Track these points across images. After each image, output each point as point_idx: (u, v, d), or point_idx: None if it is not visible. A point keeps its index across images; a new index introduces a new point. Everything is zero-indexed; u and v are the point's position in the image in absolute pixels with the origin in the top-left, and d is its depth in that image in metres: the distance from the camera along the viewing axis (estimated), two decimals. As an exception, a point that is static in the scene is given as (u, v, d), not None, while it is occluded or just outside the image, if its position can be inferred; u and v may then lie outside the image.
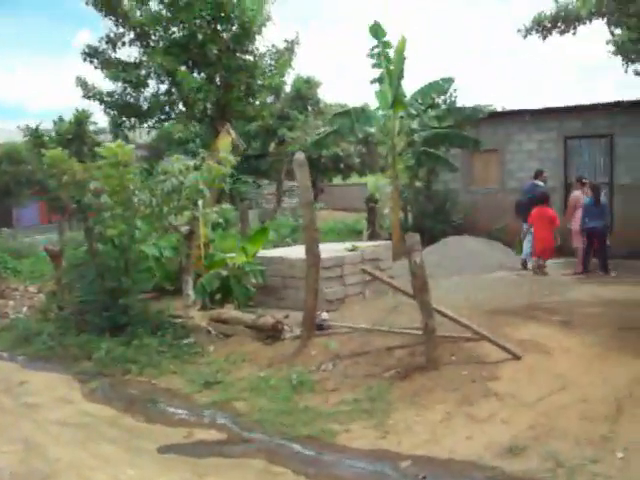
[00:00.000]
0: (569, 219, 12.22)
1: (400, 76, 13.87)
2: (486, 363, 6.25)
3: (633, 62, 11.99)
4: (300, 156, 6.88)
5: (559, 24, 10.87)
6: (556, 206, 15.15)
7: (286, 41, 17.78)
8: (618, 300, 8.78)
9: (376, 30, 14.00)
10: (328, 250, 10.06)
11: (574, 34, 11.21)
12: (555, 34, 11.22)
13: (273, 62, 17.11)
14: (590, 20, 10.79)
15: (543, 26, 11.05)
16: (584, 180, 12.34)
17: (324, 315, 8.04)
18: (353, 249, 10.09)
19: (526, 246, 12.98)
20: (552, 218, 11.88)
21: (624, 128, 14.58)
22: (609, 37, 12.46)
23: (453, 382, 5.89)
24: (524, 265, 12.68)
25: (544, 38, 11.37)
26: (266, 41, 17.61)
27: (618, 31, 12.22)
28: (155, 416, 6.14)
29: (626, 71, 12.58)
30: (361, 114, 14.54)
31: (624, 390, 5.30)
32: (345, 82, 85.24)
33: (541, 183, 13.14)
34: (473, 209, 16.42)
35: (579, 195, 12.06)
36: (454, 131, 14.35)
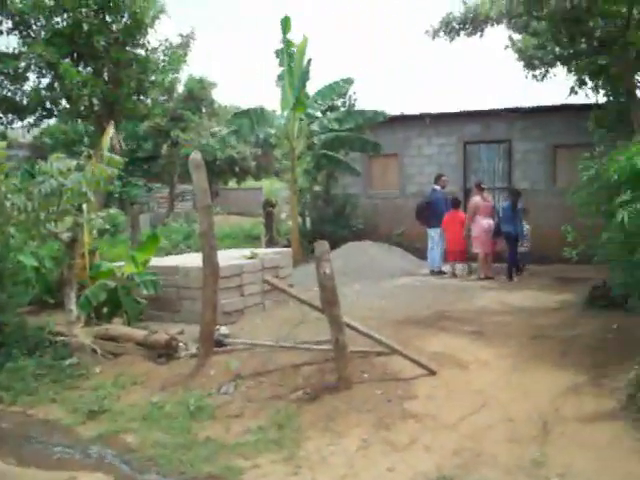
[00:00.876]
0: (469, 225, 12.19)
1: (304, 77, 13.41)
2: (400, 380, 5.85)
3: (534, 68, 12.14)
4: (197, 156, 6.21)
5: (467, 25, 10.79)
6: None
7: (181, 36, 16.87)
8: (525, 307, 8.71)
9: (285, 24, 13.41)
10: (225, 258, 9.43)
11: (481, 37, 11.18)
12: (463, 36, 11.13)
13: (166, 57, 16.09)
14: (498, 22, 10.78)
15: (451, 27, 10.93)
16: (482, 185, 12.35)
17: (224, 330, 7.40)
18: (252, 257, 9.51)
19: (432, 254, 12.91)
20: (463, 222, 12.16)
21: (522, 133, 14.86)
22: (510, 42, 12.56)
23: (367, 403, 5.42)
24: (437, 272, 12.57)
25: (451, 40, 11.26)
26: (159, 35, 16.68)
27: (519, 36, 12.34)
28: (29, 456, 5.20)
29: (526, 77, 12.76)
30: (260, 115, 13.96)
31: (548, 406, 5.04)
32: (252, 85, 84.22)
33: (438, 187, 13.08)
34: (373, 214, 16.24)
35: (478, 200, 12.05)
36: (354, 134, 14.07)
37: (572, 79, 11.52)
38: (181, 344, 7.18)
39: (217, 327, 7.10)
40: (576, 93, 11.70)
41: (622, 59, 10.13)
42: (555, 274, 11.74)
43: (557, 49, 11.11)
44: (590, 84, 11.53)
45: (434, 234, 12.79)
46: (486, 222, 11.84)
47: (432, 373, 5.88)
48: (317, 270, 5.68)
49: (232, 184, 35.07)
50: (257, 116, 13.90)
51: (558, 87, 31.27)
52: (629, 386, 4.74)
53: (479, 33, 11.10)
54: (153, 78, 16.26)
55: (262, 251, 10.74)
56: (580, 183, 6.44)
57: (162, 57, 16.12)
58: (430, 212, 12.83)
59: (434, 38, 11.53)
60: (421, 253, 15.13)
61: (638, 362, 4.78)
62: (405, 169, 16.17)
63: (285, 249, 11.82)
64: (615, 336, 6.44)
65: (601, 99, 12.44)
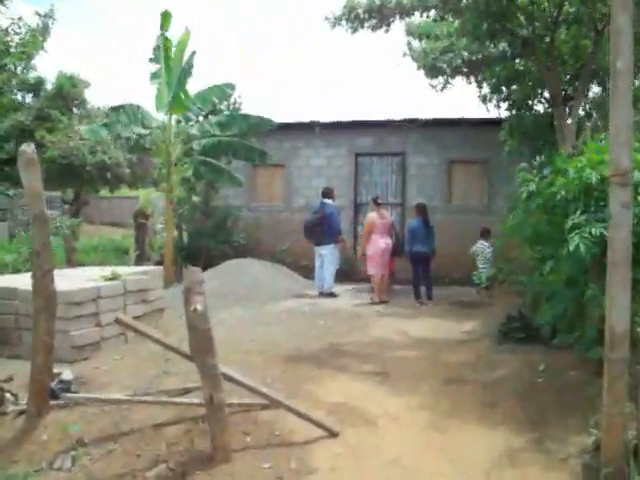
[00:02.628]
0: (365, 243, 11.19)
1: (184, 73, 11.90)
2: (294, 444, 4.55)
3: (435, 75, 11.36)
4: (28, 149, 4.62)
5: (373, 14, 9.68)
6: (345, 227, 14.34)
7: (38, 14, 14.73)
8: (429, 339, 7.72)
9: (165, 19, 11.80)
10: (80, 278, 7.82)
11: (387, 31, 10.10)
12: (367, 28, 10.00)
13: (18, 39, 13.90)
14: (408, 14, 9.78)
15: (355, 15, 9.76)
16: (379, 200, 11.39)
17: (66, 374, 5.77)
18: (113, 277, 7.93)
19: (320, 273, 11.81)
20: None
21: (417, 147, 14.13)
22: (407, 48, 11.72)
23: (251, 482, 4.10)
24: (328, 294, 11.43)
25: (354, 31, 10.09)
26: (11, 13, 14.43)
27: (417, 43, 11.52)
28: None
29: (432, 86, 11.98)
30: (135, 113, 12.25)
31: (483, 482, 3.94)
32: (131, 87, 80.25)
33: (330, 201, 12.05)
34: (256, 228, 14.98)
35: (375, 217, 11.07)
36: (239, 141, 12.72)
37: (473, 91, 10.90)
38: (8, 395, 5.50)
39: (56, 372, 5.52)
40: (490, 101, 11.00)
41: (547, 61, 9.42)
42: (452, 298, 10.97)
43: (465, 54, 10.33)
44: (497, 95, 10.87)
45: (325, 252, 11.66)
46: (383, 241, 10.88)
47: (333, 435, 4.63)
48: (185, 306, 4.30)
49: (105, 192, 32.47)
50: (133, 113, 12.22)
51: (460, 100, 31.38)
52: (586, 456, 3.71)
53: (385, 27, 10.04)
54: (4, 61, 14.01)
55: (127, 270, 9.15)
56: (516, 199, 5.47)
57: (14, 38, 13.90)
58: (325, 228, 11.71)
59: (334, 26, 10.33)
60: (307, 272, 14.07)
61: (594, 423, 3.75)
62: (292, 181, 15.04)
63: (156, 267, 10.26)
64: (546, 381, 5.49)
65: (504, 113, 11.90)
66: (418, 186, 14.10)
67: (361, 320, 9.10)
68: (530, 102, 11.08)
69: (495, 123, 13.02)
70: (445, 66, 10.80)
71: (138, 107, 12.51)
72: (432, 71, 11.16)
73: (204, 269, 12.85)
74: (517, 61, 10.22)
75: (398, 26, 10.83)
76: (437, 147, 13.99)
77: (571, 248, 3.90)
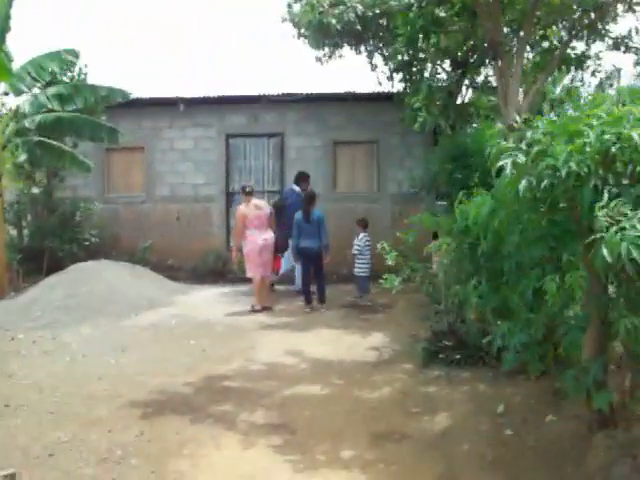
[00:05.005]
0: (238, 240, 9.38)
1: (3, 28, 9.45)
2: None
3: (320, 43, 9.73)
4: None
5: None
6: (216, 220, 12.54)
7: None
8: (333, 362, 6.07)
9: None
10: None
11: None
12: None
13: None
14: None
15: None
16: (247, 189, 9.50)
17: None
18: None
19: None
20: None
21: (296, 126, 12.43)
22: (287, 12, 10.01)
23: None
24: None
25: None
26: None
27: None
28: None
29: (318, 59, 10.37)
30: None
31: None
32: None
33: (298, 189, 10.27)
34: (113, 223, 12.73)
35: (244, 209, 9.27)
36: (82, 117, 10.39)
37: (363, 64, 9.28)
38: None
39: None
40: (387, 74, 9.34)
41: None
42: (344, 300, 9.45)
43: (359, 7, 8.68)
44: (393, 63, 9.27)
45: None
46: (261, 237, 9.12)
47: None
48: None
49: None
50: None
51: (350, 76, 29.76)
52: None
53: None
54: None
55: None
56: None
57: None
58: (283, 218, 9.87)
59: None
60: (175, 272, 12.10)
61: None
62: (154, 166, 12.90)
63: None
64: (517, 434, 3.93)
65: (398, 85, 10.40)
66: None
67: (243, 337, 7.32)
68: (437, 67, 9.55)
69: (385, 98, 11.66)
70: (334, 22, 9.14)
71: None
72: (318, 33, 9.47)
73: (47, 274, 10.59)
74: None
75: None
76: (320, 127, 12.37)
77: (608, 254, 2.39)
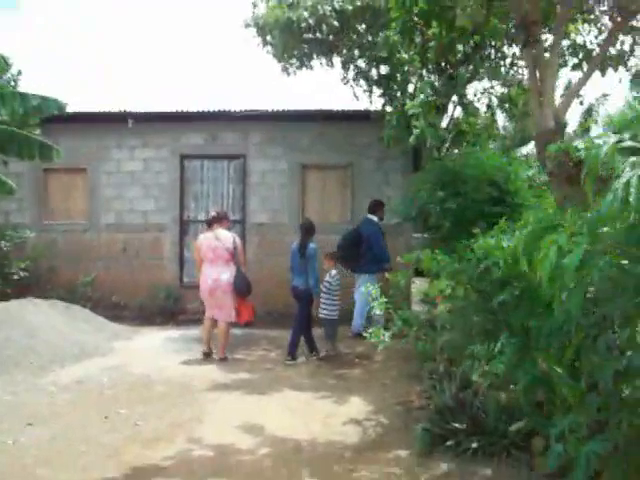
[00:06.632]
0: (197, 272, 7.92)
1: None
2: None
3: (288, 50, 8.42)
4: None
5: None
6: (167, 251, 11.08)
7: None
8: (302, 446, 4.52)
9: None
10: None
11: None
12: None
13: None
14: None
15: None
16: (211, 215, 8.06)
17: None
18: None
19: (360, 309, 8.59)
20: None
21: (260, 148, 11.02)
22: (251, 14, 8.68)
23: None
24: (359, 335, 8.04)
25: None
26: None
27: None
28: None
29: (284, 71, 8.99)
30: None
31: None
32: None
33: (376, 218, 8.91)
34: (49, 255, 11.12)
35: (200, 238, 7.85)
36: (9, 129, 8.83)
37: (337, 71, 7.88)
38: None
39: None
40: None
41: None
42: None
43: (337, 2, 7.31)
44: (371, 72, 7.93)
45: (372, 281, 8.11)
46: (214, 273, 7.67)
47: None
48: None
49: None
50: None
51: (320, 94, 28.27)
52: None
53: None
54: None
55: None
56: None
57: None
58: (361, 251, 8.67)
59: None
60: (121, 311, 10.57)
61: None
62: (98, 190, 11.34)
63: None
64: None
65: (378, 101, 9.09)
66: (262, 198, 11.00)
67: (188, 401, 5.78)
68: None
69: (361, 117, 10.37)
70: (307, 15, 7.78)
71: None
72: (285, 35, 8.12)
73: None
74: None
75: None
76: (286, 148, 10.99)
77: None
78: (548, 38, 7.32)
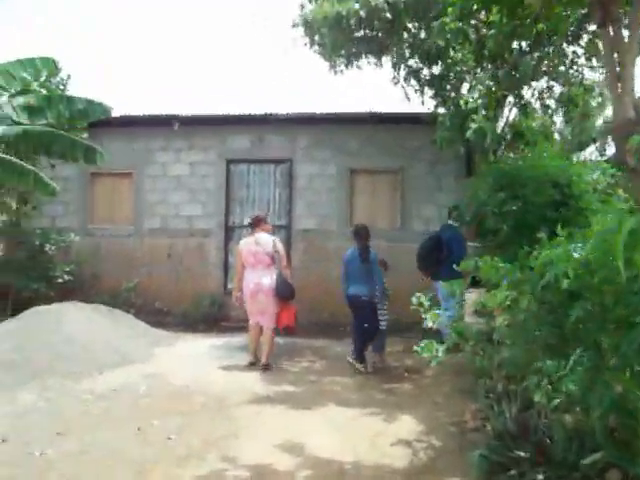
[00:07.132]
0: (238, 280, 7.63)
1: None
2: None
3: (336, 49, 8.13)
4: None
5: None
6: (214, 257, 10.85)
7: None
8: (346, 468, 4.11)
9: None
10: None
11: None
12: None
13: None
14: None
15: None
16: (253, 219, 7.77)
17: None
18: None
19: (445, 314, 8.21)
20: None
21: (307, 151, 10.71)
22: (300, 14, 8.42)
23: None
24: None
25: None
26: None
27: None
28: None
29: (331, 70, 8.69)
30: None
31: None
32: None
33: (456, 224, 8.42)
34: (94, 259, 11.02)
35: (241, 244, 7.58)
36: (54, 131, 8.70)
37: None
38: None
39: None
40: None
41: None
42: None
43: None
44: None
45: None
46: (255, 278, 7.37)
47: None
48: None
49: None
50: None
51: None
52: None
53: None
54: None
55: None
56: None
57: None
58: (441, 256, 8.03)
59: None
60: (162, 317, 10.38)
61: None
62: (143, 195, 11.21)
63: None
64: None
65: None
66: (309, 203, 10.69)
67: (226, 415, 5.44)
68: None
69: (412, 120, 9.95)
70: (357, 7, 7.40)
71: None
72: (335, 31, 7.78)
73: (13, 317, 8.84)
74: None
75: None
76: (334, 152, 10.64)
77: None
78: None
